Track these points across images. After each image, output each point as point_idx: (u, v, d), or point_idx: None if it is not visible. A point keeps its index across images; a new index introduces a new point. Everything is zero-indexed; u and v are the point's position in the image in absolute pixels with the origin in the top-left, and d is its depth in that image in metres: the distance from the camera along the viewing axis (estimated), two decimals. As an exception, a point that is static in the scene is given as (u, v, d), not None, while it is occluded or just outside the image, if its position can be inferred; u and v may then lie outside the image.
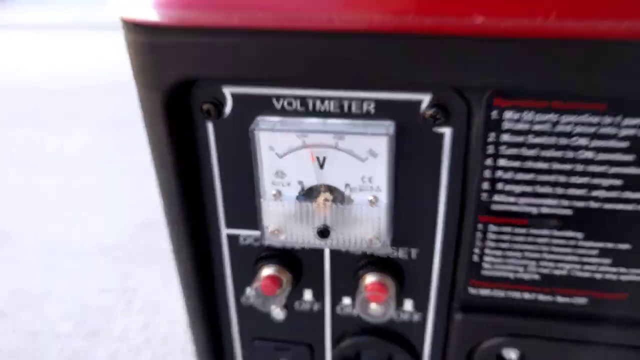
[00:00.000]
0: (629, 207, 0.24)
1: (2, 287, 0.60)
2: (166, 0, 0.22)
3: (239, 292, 0.31)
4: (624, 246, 0.25)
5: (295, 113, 0.25)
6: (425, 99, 0.23)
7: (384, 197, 0.25)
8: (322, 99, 0.24)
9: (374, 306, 0.28)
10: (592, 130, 0.22)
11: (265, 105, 0.25)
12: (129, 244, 0.42)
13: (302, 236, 0.27)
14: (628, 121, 0.22)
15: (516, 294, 0.27)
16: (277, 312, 0.31)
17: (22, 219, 0.73)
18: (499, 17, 0.19)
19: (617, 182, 0.23)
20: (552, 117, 0.22)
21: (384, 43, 0.21)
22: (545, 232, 0.25)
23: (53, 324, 0.55)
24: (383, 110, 0.24)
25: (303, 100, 0.24)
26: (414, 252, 0.28)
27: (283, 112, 0.25)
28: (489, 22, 0.19)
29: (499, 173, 0.24)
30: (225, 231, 0.29)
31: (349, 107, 0.24)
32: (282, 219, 0.27)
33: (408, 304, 0.30)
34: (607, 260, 0.25)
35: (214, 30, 0.22)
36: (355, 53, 0.22)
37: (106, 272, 0.62)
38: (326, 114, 0.24)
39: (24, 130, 1.03)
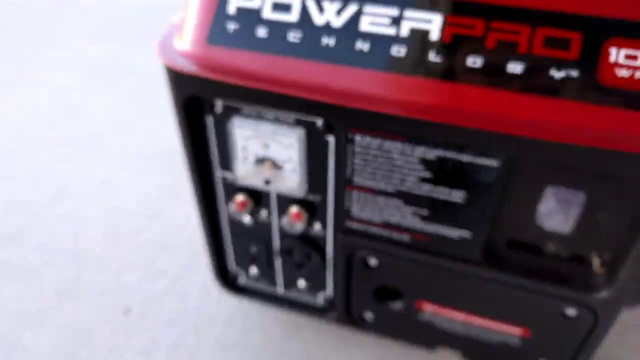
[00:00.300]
0: (423, 191, 0.43)
1: (94, 179, 0.85)
2: (193, 60, 0.41)
3: (226, 208, 0.53)
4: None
5: (255, 117, 0.44)
6: (320, 121, 0.42)
7: (298, 167, 0.45)
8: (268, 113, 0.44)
9: (294, 224, 0.49)
10: (399, 149, 0.41)
11: (238, 111, 0.44)
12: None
13: (256, 182, 0.48)
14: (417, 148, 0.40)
15: (372, 228, 0.47)
16: (247, 220, 0.53)
17: (109, 126, 0.97)
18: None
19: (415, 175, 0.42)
20: (379, 141, 0.41)
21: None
22: (382, 197, 0.44)
23: (127, 206, 0.80)
24: (300, 123, 0.43)
25: (259, 113, 0.44)
26: (317, 197, 0.47)
27: (249, 117, 0.44)
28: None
29: (355, 164, 0.43)
30: (218, 172, 0.50)
31: (282, 119, 0.43)
32: (247, 173, 0.47)
33: (317, 225, 0.50)
34: (426, 217, 0.45)
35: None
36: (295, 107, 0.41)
37: (162, 170, 0.86)
38: (270, 120, 0.44)
39: (109, 47, 1.22)
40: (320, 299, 0.56)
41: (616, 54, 0.33)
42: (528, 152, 0.36)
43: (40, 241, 0.73)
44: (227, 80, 0.40)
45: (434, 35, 0.36)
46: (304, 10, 0.38)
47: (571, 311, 0.44)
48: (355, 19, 0.37)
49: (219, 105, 0.44)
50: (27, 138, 0.93)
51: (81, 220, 0.77)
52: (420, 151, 0.40)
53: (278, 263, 0.54)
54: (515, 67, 0.34)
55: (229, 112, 0.44)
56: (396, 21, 0.36)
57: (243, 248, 0.55)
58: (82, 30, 1.29)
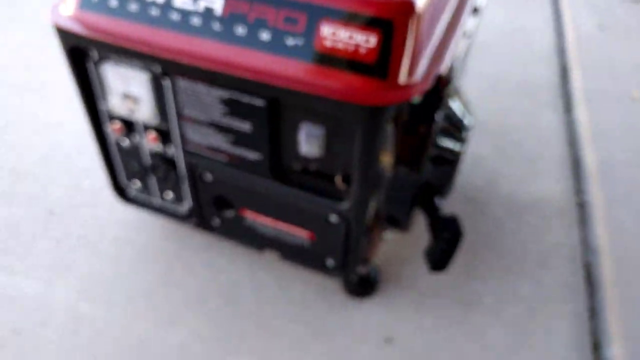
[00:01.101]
0: (225, 122, 0.57)
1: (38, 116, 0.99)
2: (77, 21, 0.55)
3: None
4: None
5: (119, 64, 0.58)
6: (157, 69, 0.56)
7: (150, 102, 0.59)
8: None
9: (152, 145, 0.64)
10: (205, 90, 0.55)
11: (108, 59, 0.58)
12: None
13: (124, 112, 0.62)
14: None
15: (202, 150, 0.61)
16: (125, 142, 0.67)
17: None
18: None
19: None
20: (192, 84, 0.55)
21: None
22: (203, 126, 0.59)
23: (61, 139, 0.94)
24: (146, 69, 0.57)
25: (121, 60, 0.58)
26: (167, 125, 0.61)
27: (114, 63, 0.58)
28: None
29: (181, 100, 0.57)
30: (102, 106, 0.64)
31: (136, 66, 0.57)
32: (116, 104, 0.61)
33: (171, 148, 0.64)
34: (232, 142, 0.59)
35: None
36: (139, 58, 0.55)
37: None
38: (128, 66, 0.58)
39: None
40: (184, 208, 0.71)
41: (326, 30, 0.47)
42: (279, 95, 0.51)
43: (-10, 161, 0.88)
44: (92, 36, 0.54)
45: (218, 11, 0.49)
46: (139, -12, 0.52)
47: (333, 217, 0.59)
48: (171, -3, 0.51)
49: (94, 54, 0.58)
50: (-3, 82, 1.07)
51: (24, 147, 0.91)
52: (218, 92, 0.54)
53: (151, 178, 0.69)
54: (265, 35, 0.48)
55: (102, 59, 0.57)
56: (196, 1, 0.50)
57: (127, 165, 0.69)
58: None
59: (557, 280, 0.76)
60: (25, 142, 0.92)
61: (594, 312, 0.73)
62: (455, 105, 0.63)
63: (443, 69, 0.53)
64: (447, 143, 0.62)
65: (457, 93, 0.65)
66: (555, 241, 0.82)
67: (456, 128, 0.63)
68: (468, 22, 0.65)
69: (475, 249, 0.79)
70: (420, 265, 0.77)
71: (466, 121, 0.66)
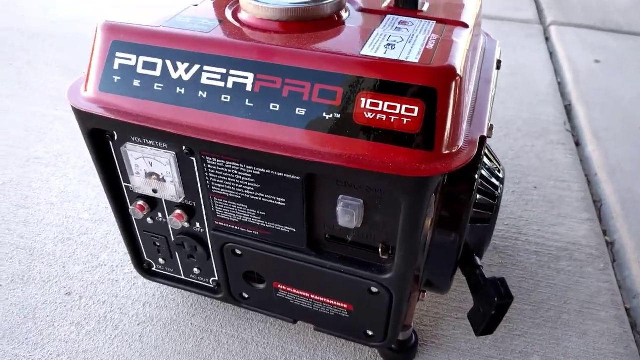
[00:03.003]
0: (258, 197, 0.53)
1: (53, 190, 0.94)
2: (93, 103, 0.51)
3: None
4: (262, 212, 0.54)
5: (141, 143, 0.54)
6: (183, 147, 0.52)
7: (176, 180, 0.55)
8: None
9: (178, 223, 0.59)
10: (236, 167, 0.51)
11: (129, 139, 0.54)
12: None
13: (148, 191, 0.57)
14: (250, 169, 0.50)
15: (232, 225, 0.56)
16: (149, 220, 0.62)
17: (71, 147, 1.07)
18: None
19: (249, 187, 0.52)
20: (223, 161, 0.51)
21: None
22: (233, 202, 0.54)
23: (78, 213, 0.89)
24: (171, 148, 0.53)
25: (143, 140, 0.53)
26: (193, 202, 0.57)
27: (136, 143, 0.54)
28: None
29: (211, 177, 0.52)
30: (123, 183, 0.60)
31: (159, 145, 0.53)
32: (140, 184, 0.57)
33: (198, 224, 0.60)
34: (264, 217, 0.55)
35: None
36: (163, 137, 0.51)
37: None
38: (151, 146, 0.54)
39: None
40: (211, 282, 0.66)
41: (364, 102, 0.44)
42: (317, 171, 0.47)
43: (2, 240, 0.83)
44: (113, 117, 0.50)
45: (249, 87, 0.46)
46: (164, 68, 0.48)
47: (374, 288, 0.54)
48: (198, 75, 0.47)
49: (116, 135, 0.54)
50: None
51: (40, 222, 0.86)
52: (250, 169, 0.50)
53: (176, 254, 0.64)
54: (299, 111, 0.45)
55: (123, 139, 0.54)
56: (224, 77, 0.47)
57: (150, 243, 0.65)
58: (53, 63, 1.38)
59: (603, 330, 0.71)
60: (42, 217, 0.87)
61: (644, 364, 0.68)
62: (486, 159, 0.60)
63: (484, 130, 0.50)
64: (483, 200, 0.58)
65: (487, 147, 0.61)
66: (593, 287, 0.77)
67: (489, 183, 0.59)
68: (494, 76, 0.62)
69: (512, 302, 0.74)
70: (456, 323, 0.72)
71: (499, 175, 0.62)
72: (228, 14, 0.53)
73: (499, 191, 0.60)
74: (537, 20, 1.74)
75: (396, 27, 0.50)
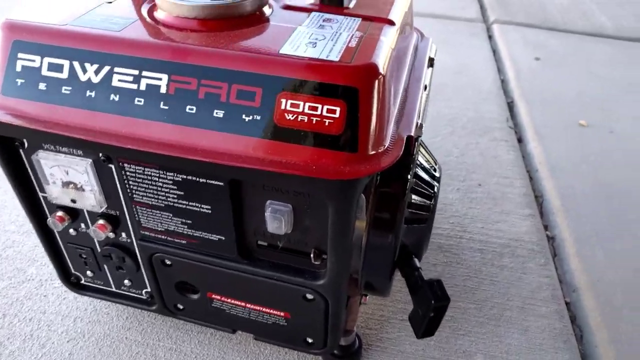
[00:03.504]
0: (182, 205, 0.49)
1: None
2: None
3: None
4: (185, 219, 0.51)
5: (54, 151, 0.50)
6: (100, 154, 0.49)
7: (95, 189, 0.51)
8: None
9: (101, 234, 0.55)
10: (156, 174, 0.48)
11: (41, 146, 0.50)
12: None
13: (66, 202, 0.53)
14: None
15: (159, 235, 0.53)
16: (71, 231, 0.58)
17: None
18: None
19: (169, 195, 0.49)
20: (142, 168, 0.47)
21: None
22: (157, 211, 0.51)
23: (3, 225, 0.83)
24: (86, 155, 0.49)
25: (56, 147, 0.49)
26: (116, 212, 0.53)
27: (49, 150, 0.50)
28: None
29: (131, 185, 0.49)
30: (40, 193, 0.55)
31: (74, 152, 0.49)
32: (57, 194, 0.53)
33: (123, 234, 0.56)
34: (191, 225, 0.52)
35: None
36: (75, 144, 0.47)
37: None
38: (65, 153, 0.50)
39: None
40: (144, 293, 0.62)
41: (285, 103, 0.41)
42: (240, 176, 0.44)
43: None
44: (19, 123, 0.46)
45: (163, 88, 0.43)
46: (72, 69, 0.45)
47: (309, 295, 0.52)
48: (108, 76, 0.44)
49: (25, 143, 0.50)
50: None
51: (-35, 237, 0.80)
52: (171, 176, 0.47)
53: (104, 266, 0.60)
54: (217, 113, 0.42)
55: (34, 147, 0.50)
56: (137, 79, 0.43)
57: (76, 255, 0.60)
58: None
59: (544, 325, 0.71)
60: (-38, 231, 0.81)
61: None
62: (421, 158, 0.59)
63: (412, 129, 0.48)
64: (419, 200, 0.57)
65: (421, 145, 0.60)
66: (535, 283, 0.77)
67: (425, 183, 0.58)
68: (426, 74, 0.61)
69: (455, 301, 0.74)
70: (401, 325, 0.70)
71: (435, 174, 0.61)
72: (143, 11, 0.49)
73: (435, 190, 0.59)
74: (480, 19, 1.77)
75: (320, 25, 0.48)
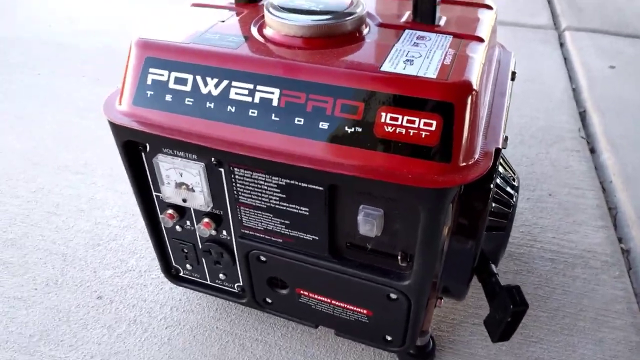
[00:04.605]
0: (283, 207, 0.54)
1: (82, 197, 0.97)
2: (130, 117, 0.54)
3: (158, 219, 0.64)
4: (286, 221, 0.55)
5: (172, 155, 0.56)
6: (212, 159, 0.54)
7: (204, 190, 0.57)
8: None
9: (205, 231, 0.61)
10: (263, 178, 0.53)
11: (160, 150, 0.56)
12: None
13: (177, 200, 0.60)
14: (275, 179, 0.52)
15: (258, 233, 0.58)
16: (178, 228, 0.64)
17: (96, 155, 1.09)
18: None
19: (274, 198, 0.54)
20: (250, 173, 0.53)
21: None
22: (259, 211, 0.56)
23: (107, 220, 0.92)
24: (200, 159, 0.55)
25: (174, 151, 0.55)
26: (221, 211, 0.59)
27: (167, 154, 0.56)
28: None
29: (238, 188, 0.54)
30: (154, 193, 0.62)
31: (189, 156, 0.55)
32: (170, 193, 0.59)
33: (224, 232, 0.62)
34: (288, 225, 0.56)
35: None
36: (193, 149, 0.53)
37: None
38: (181, 157, 0.56)
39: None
40: (236, 287, 0.68)
41: (385, 117, 0.45)
42: (339, 182, 0.49)
43: (36, 245, 0.86)
44: (146, 130, 0.52)
45: (275, 102, 0.48)
46: (195, 83, 0.51)
47: (393, 295, 0.56)
48: (227, 90, 0.50)
49: (148, 147, 0.57)
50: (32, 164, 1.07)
51: (71, 229, 0.89)
52: (276, 180, 0.52)
53: (203, 261, 0.66)
54: (324, 125, 0.47)
55: (155, 150, 0.56)
56: (252, 92, 0.49)
57: (179, 249, 0.67)
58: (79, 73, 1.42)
59: (619, 338, 0.71)
60: (72, 223, 0.90)
61: (661, 370, 0.68)
62: (501, 168, 0.61)
63: (499, 141, 0.51)
64: (498, 208, 0.60)
65: (502, 156, 0.62)
66: (608, 295, 0.77)
67: (504, 192, 0.61)
68: (509, 88, 0.63)
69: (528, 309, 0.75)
70: (473, 329, 0.73)
71: (514, 183, 0.63)
72: (253, 30, 0.55)
73: (514, 199, 0.61)
74: (551, 26, 1.74)
75: (414, 43, 0.52)
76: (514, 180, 0.63)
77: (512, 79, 0.67)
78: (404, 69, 0.47)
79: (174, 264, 0.69)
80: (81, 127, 1.17)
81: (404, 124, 0.45)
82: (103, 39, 1.59)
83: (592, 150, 1.13)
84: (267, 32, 0.54)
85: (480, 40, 0.54)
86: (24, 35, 1.61)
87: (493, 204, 0.58)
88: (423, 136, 0.45)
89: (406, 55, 0.49)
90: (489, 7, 0.63)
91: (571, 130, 1.18)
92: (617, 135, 1.15)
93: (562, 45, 1.61)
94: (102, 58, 1.47)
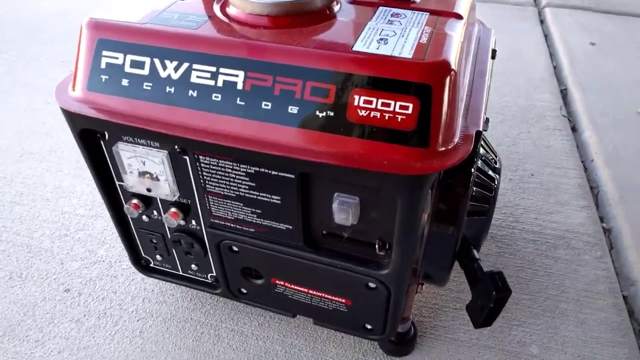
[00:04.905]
0: (253, 195, 0.51)
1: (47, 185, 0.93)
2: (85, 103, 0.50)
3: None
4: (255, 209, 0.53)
5: (132, 142, 0.52)
6: (175, 146, 0.51)
7: (169, 179, 0.54)
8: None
9: (173, 221, 0.58)
10: (230, 166, 0.49)
11: (120, 138, 0.52)
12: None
13: (142, 190, 0.56)
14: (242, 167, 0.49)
15: (228, 223, 0.55)
16: (144, 218, 0.61)
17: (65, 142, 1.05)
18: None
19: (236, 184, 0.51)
20: (216, 160, 0.49)
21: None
22: (228, 200, 0.53)
23: (74, 209, 0.88)
24: (163, 147, 0.51)
25: (134, 139, 0.52)
26: (188, 200, 0.56)
27: (128, 142, 0.53)
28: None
29: (205, 176, 0.51)
30: (117, 182, 0.59)
31: (151, 144, 0.52)
32: (133, 183, 0.56)
33: (193, 222, 0.59)
34: (260, 214, 0.54)
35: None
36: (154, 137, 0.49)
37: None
38: (142, 145, 0.52)
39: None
40: (209, 277, 0.65)
41: (358, 100, 0.42)
42: (311, 170, 0.46)
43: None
44: (103, 118, 0.49)
45: (240, 85, 0.45)
46: (153, 66, 0.47)
47: (372, 284, 0.54)
48: (187, 73, 0.46)
49: (107, 135, 0.53)
50: None
51: (37, 219, 0.85)
52: (244, 168, 0.49)
53: (173, 251, 0.63)
54: (293, 109, 0.44)
55: (114, 138, 0.52)
56: (214, 75, 0.45)
57: (147, 240, 0.64)
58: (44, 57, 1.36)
59: (601, 318, 0.71)
60: (37, 213, 0.86)
61: (641, 351, 0.68)
62: (482, 150, 0.59)
63: (480, 124, 0.49)
64: (479, 192, 0.57)
65: (483, 137, 0.60)
66: (591, 275, 0.76)
67: (486, 175, 0.58)
68: (489, 67, 0.61)
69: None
70: (455, 314, 0.71)
71: (496, 166, 0.61)
72: (216, 9, 0.51)
73: (496, 182, 0.59)
74: (531, 2, 1.71)
75: (389, 20, 0.49)
76: (495, 162, 0.61)
77: (493, 57, 0.64)
78: (378, 48, 0.44)
79: (143, 254, 0.66)
80: (46, 112, 1.12)
81: (379, 107, 0.42)
82: (67, 18, 1.52)
83: (574, 129, 1.11)
84: (231, 10, 0.50)
85: (459, 17, 0.51)
86: (-14, 14, 1.53)
87: (474, 188, 0.56)
88: (399, 120, 0.42)
89: (380, 34, 0.46)
90: (468, -18, 0.60)
91: (553, 109, 1.17)
92: (598, 113, 1.14)
93: (542, 22, 1.59)
94: (65, 39, 1.40)
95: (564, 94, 1.24)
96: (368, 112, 0.42)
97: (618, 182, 0.94)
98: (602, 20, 1.57)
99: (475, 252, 0.58)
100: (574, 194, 0.92)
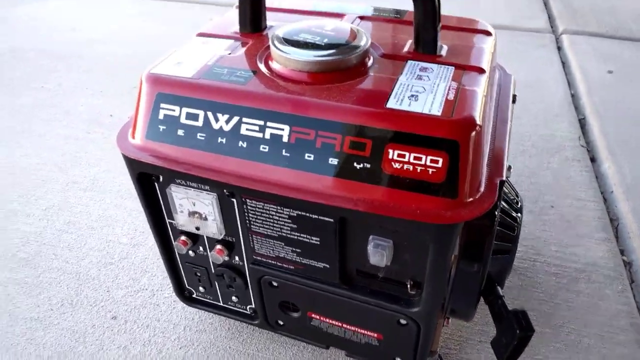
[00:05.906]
0: (294, 236, 0.55)
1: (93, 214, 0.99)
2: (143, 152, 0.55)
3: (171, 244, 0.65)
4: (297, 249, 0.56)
5: (185, 185, 0.57)
6: (225, 190, 0.55)
7: (217, 219, 0.58)
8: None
9: (218, 257, 0.62)
10: (274, 209, 0.54)
11: (173, 181, 0.57)
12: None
13: (190, 228, 0.61)
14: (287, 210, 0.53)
15: (269, 260, 0.59)
16: (191, 254, 0.66)
17: (106, 172, 1.10)
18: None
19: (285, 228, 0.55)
20: (262, 204, 0.54)
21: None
22: (271, 240, 0.57)
23: (117, 238, 0.93)
24: (212, 190, 0.56)
25: (186, 182, 0.57)
26: (233, 239, 0.60)
27: (180, 184, 0.57)
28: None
29: (250, 217, 0.55)
30: (167, 220, 0.63)
31: (202, 187, 0.56)
32: (183, 221, 0.61)
33: (237, 257, 0.63)
34: (299, 253, 0.58)
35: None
36: (205, 182, 0.54)
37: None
38: (194, 188, 0.57)
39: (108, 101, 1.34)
40: (248, 309, 0.69)
41: (392, 153, 0.46)
42: (349, 216, 0.50)
43: (50, 265, 0.87)
44: (159, 164, 0.53)
45: (285, 138, 0.49)
46: (206, 118, 0.52)
47: (403, 320, 0.57)
48: (237, 126, 0.51)
49: (162, 179, 0.58)
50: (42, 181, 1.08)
51: (82, 248, 0.90)
52: (287, 211, 0.53)
53: (216, 284, 0.68)
54: (333, 161, 0.48)
55: (168, 181, 0.57)
56: (262, 129, 0.50)
57: (192, 273, 0.68)
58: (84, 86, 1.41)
59: (623, 354, 0.72)
60: (84, 241, 0.91)
61: (663, 383, 0.69)
62: (505, 190, 0.62)
63: (503, 173, 0.52)
64: (504, 233, 0.60)
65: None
66: (612, 310, 0.78)
67: (508, 215, 0.62)
68: (510, 113, 0.64)
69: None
70: (480, 347, 0.74)
71: (517, 206, 0.64)
72: (260, 63, 0.56)
73: (518, 222, 0.62)
74: (548, 29, 1.74)
75: (417, 75, 0.53)
76: (517, 203, 0.64)
77: (513, 101, 0.68)
78: (409, 105, 0.48)
79: (187, 286, 0.70)
80: (87, 141, 1.18)
81: (411, 160, 0.46)
82: (104, 48, 1.59)
83: (593, 159, 1.13)
84: (274, 65, 0.55)
85: (482, 71, 0.54)
86: (25, 46, 1.62)
87: (498, 228, 0.59)
88: (430, 173, 0.45)
89: (411, 90, 0.50)
90: (488, 34, 0.64)
91: (571, 139, 1.19)
92: (617, 143, 1.15)
93: (559, 49, 1.62)
94: (103, 68, 1.48)
95: (582, 123, 1.26)
96: (401, 164, 0.46)
97: (638, 214, 0.95)
98: (620, 48, 1.59)
99: (499, 289, 0.61)
100: (594, 227, 0.94)
